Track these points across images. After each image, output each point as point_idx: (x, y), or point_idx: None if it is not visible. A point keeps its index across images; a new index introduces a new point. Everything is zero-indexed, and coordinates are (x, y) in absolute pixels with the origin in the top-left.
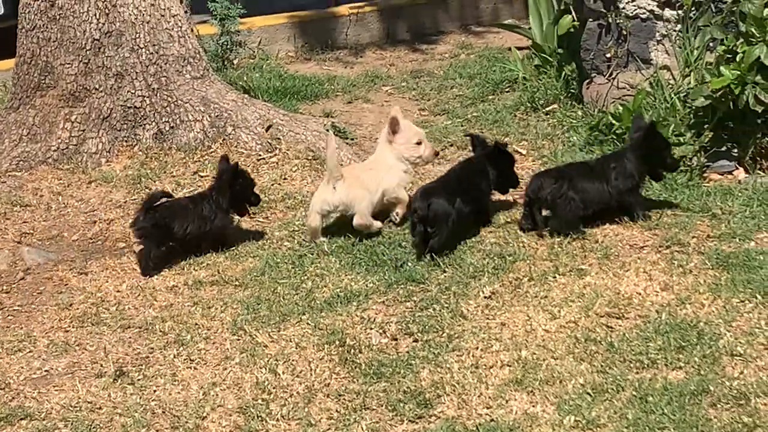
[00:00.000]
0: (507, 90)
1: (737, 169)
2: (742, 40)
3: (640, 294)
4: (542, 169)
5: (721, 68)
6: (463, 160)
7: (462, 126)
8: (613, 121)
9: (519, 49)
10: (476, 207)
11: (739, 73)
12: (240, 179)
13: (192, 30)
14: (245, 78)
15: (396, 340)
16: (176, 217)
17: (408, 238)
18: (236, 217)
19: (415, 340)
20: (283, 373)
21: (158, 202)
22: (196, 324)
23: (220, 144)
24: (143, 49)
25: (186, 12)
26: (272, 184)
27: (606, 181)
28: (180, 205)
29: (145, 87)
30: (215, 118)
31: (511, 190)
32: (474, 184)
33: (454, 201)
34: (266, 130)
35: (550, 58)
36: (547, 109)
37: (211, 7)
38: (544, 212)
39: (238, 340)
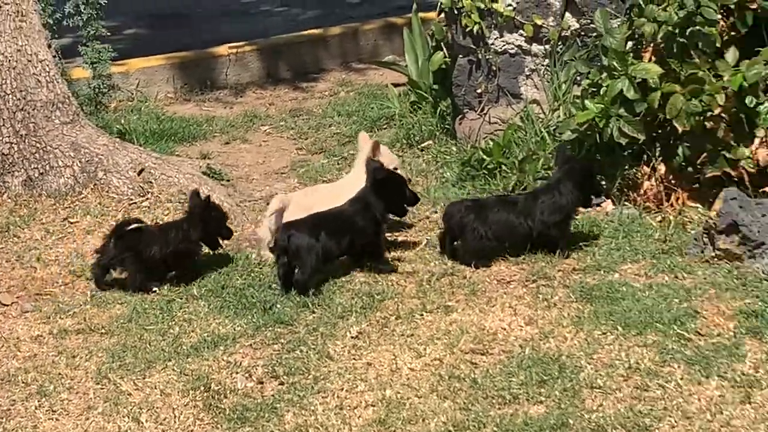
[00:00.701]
0: (384, 127)
1: (605, 201)
2: (605, 73)
3: (504, 329)
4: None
5: (586, 102)
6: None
7: (338, 165)
8: (484, 157)
9: (397, 85)
10: (354, 244)
11: (603, 106)
12: (212, 212)
13: (61, 75)
14: (122, 121)
15: (262, 383)
16: (146, 242)
17: (277, 280)
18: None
19: (281, 383)
20: (147, 421)
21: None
22: (60, 374)
23: (91, 189)
24: (10, 95)
25: (54, 57)
26: None
27: (527, 216)
28: (149, 232)
29: (13, 133)
30: (86, 164)
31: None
32: (351, 220)
33: (318, 235)
34: (138, 174)
35: (425, 95)
36: (423, 145)
37: (82, 51)
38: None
39: (102, 389)
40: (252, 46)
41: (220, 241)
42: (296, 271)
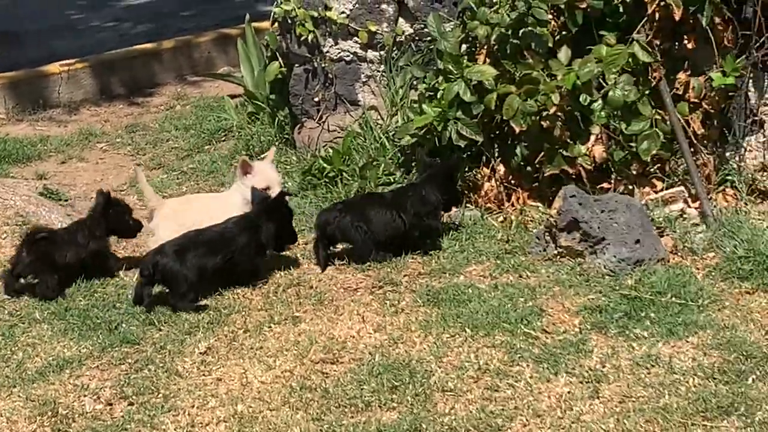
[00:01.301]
0: (223, 139)
1: None
2: (441, 77)
3: (354, 337)
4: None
5: (424, 106)
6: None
7: (178, 179)
8: (325, 165)
9: (233, 97)
10: (234, 264)
11: (440, 109)
12: (113, 207)
13: None
14: None
15: (111, 404)
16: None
17: (122, 299)
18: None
19: (131, 403)
20: None
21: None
22: None
23: None
24: None
25: None
26: None
27: (399, 210)
28: (58, 236)
29: None
30: None
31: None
32: (230, 241)
33: (185, 257)
34: None
35: (262, 105)
36: (262, 156)
37: None
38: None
39: None
40: (84, 62)
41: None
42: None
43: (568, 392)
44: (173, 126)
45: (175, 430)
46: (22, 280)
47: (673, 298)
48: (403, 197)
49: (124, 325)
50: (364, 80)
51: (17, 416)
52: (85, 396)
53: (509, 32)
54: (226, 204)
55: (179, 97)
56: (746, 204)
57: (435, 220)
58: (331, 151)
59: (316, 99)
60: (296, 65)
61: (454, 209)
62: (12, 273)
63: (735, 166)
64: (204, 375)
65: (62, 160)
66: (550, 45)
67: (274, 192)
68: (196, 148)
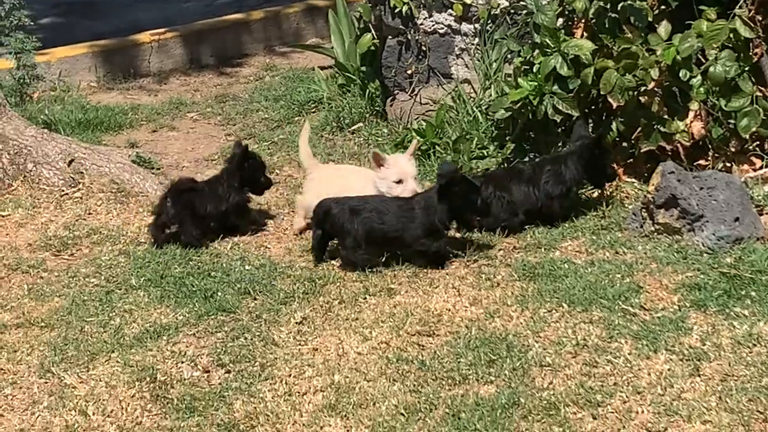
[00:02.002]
0: (313, 110)
1: None
2: (537, 51)
3: (449, 310)
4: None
5: (519, 80)
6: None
7: (269, 150)
8: (418, 137)
9: (323, 68)
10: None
11: (536, 84)
12: (250, 160)
13: None
14: (46, 111)
15: (208, 372)
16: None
17: (217, 267)
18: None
19: (228, 371)
20: (94, 414)
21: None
22: (2, 369)
23: (21, 181)
24: None
25: None
26: (77, 220)
27: (535, 185)
28: (200, 188)
29: None
30: (14, 155)
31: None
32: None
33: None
34: (68, 165)
35: (353, 77)
36: (353, 127)
37: (5, 42)
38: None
39: (46, 383)
40: (174, 32)
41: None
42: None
43: (668, 369)
44: (263, 96)
45: (272, 398)
46: (167, 231)
47: None
48: (539, 172)
49: (219, 294)
50: (457, 53)
51: (116, 381)
52: (182, 363)
53: (608, 6)
54: (366, 178)
55: (268, 68)
56: None
57: (563, 201)
58: (424, 123)
59: (409, 71)
60: (389, 37)
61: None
62: (157, 224)
63: None
64: (300, 344)
65: (153, 129)
66: (650, 19)
67: (407, 185)
68: (286, 119)
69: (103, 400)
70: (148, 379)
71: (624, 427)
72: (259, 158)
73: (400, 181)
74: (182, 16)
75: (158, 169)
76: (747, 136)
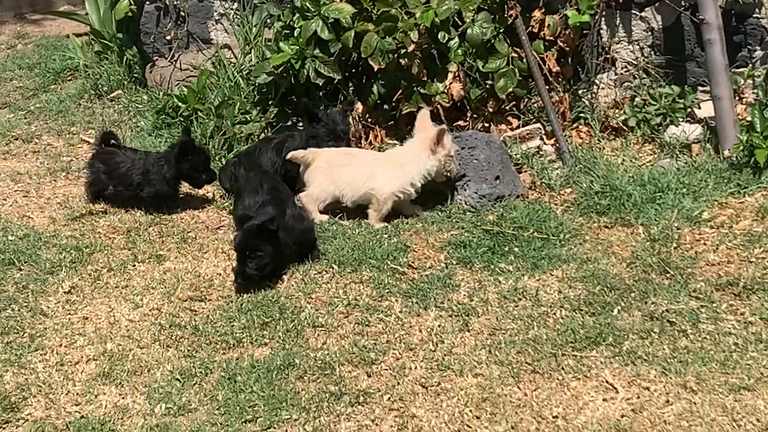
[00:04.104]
0: (69, 79)
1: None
2: (298, 15)
3: (220, 275)
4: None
5: (281, 44)
6: None
7: (26, 119)
8: (179, 104)
9: (78, 35)
10: None
11: (297, 47)
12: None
13: None
14: None
15: None
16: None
17: None
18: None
19: None
20: None
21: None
22: None
23: None
24: None
25: None
26: None
27: None
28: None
29: None
30: None
31: None
32: None
33: None
34: None
35: (110, 44)
36: (112, 95)
37: None
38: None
39: None
40: None
41: None
42: None
43: (439, 326)
44: (16, 65)
45: (44, 368)
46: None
47: (535, 233)
48: None
49: None
50: (217, 18)
51: None
52: None
53: None
54: (396, 165)
55: (20, 35)
56: (599, 140)
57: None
58: (185, 89)
59: (168, 37)
60: (147, 3)
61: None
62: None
63: (588, 103)
64: (70, 314)
65: None
66: None
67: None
68: (41, 88)
69: None
70: None
71: (398, 383)
72: (204, 152)
73: (451, 157)
74: None
75: None
76: (504, 97)
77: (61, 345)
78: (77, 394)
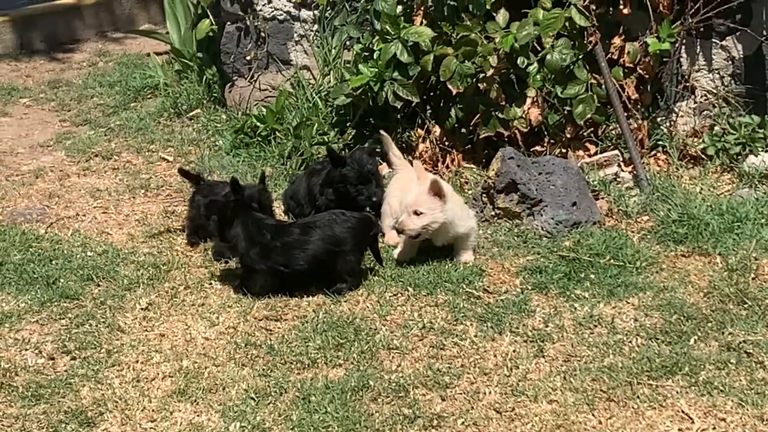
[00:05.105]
0: (149, 97)
1: (381, 164)
2: (377, 38)
3: (295, 295)
4: None
5: (360, 66)
6: None
7: (106, 136)
8: (258, 124)
9: (158, 54)
10: None
11: (377, 70)
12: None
13: None
14: None
15: (53, 359)
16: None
17: (58, 253)
18: None
19: (73, 358)
20: None
21: None
22: None
23: None
24: None
25: None
26: None
27: None
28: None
29: None
30: None
31: None
32: None
33: None
34: None
35: (190, 63)
36: (191, 114)
37: None
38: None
39: None
40: (4, 17)
41: None
42: None
43: (514, 351)
44: (97, 82)
45: (120, 384)
46: None
47: (611, 260)
48: None
49: (62, 280)
50: (296, 39)
51: None
52: (26, 350)
53: None
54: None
55: (101, 53)
56: (677, 169)
57: None
58: (264, 109)
59: (248, 58)
60: (228, 23)
61: (384, 168)
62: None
63: (666, 131)
64: (147, 330)
65: None
66: (488, 7)
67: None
68: (122, 105)
69: None
70: None
71: (472, 407)
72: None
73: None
74: (8, 1)
75: None
76: (582, 123)
77: (137, 361)
78: (153, 410)
